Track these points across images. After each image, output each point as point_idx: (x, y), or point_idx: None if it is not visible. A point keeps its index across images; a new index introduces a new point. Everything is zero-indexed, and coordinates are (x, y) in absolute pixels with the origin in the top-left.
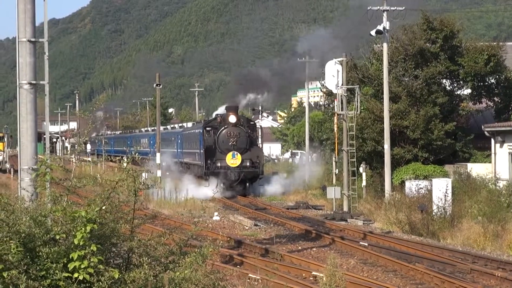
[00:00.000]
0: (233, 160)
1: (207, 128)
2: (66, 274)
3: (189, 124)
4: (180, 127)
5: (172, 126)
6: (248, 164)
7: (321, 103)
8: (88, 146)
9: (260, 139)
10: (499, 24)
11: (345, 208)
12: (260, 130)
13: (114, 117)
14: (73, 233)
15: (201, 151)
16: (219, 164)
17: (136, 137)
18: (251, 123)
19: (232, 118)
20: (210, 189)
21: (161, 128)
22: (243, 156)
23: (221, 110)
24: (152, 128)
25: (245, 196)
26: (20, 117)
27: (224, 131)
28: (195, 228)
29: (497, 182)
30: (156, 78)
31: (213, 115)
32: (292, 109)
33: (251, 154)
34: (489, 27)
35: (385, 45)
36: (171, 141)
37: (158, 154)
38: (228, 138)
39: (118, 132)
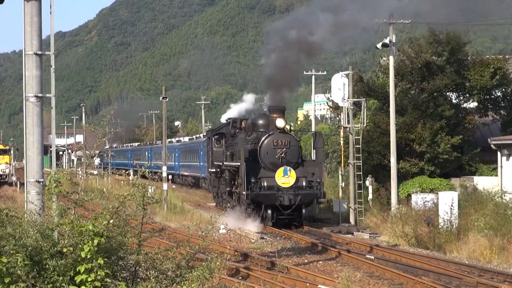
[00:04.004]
0: (285, 178)
1: (216, 136)
2: (73, 287)
3: None
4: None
5: (197, 136)
6: (304, 183)
7: (327, 116)
8: (97, 160)
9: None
10: (506, 37)
11: (351, 221)
12: (317, 136)
13: (121, 130)
14: (80, 246)
15: (208, 164)
16: (265, 184)
17: (156, 149)
18: None
19: (280, 122)
20: (230, 218)
21: (186, 138)
22: (297, 172)
23: (230, 113)
24: (177, 139)
25: (301, 226)
26: (26, 130)
27: (267, 139)
28: (203, 242)
29: (504, 195)
30: (163, 91)
31: (222, 120)
32: (298, 122)
33: (304, 170)
34: (495, 40)
35: (391, 58)
36: (194, 153)
37: (164, 168)
38: (274, 149)
39: (135, 144)
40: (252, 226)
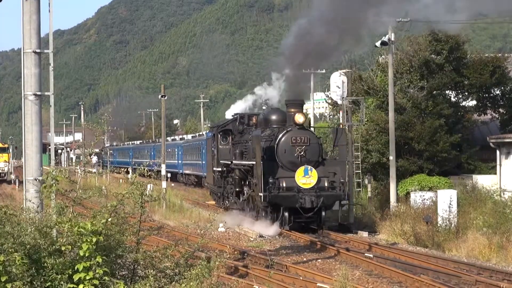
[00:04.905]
0: (305, 178)
1: (221, 133)
2: (71, 286)
3: None
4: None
5: (200, 133)
6: (326, 184)
7: (326, 114)
8: (95, 158)
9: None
10: (504, 36)
11: (350, 220)
12: (338, 133)
13: (120, 128)
14: (79, 244)
15: (213, 163)
16: (284, 184)
17: (159, 147)
18: None
19: (300, 117)
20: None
21: (189, 136)
22: (318, 172)
23: (236, 108)
24: (181, 136)
25: (320, 229)
26: (25, 128)
27: (285, 136)
28: (201, 240)
29: (503, 194)
30: (162, 89)
31: (228, 115)
32: None
33: (325, 170)
34: (494, 38)
35: (390, 56)
36: (198, 151)
37: (163, 166)
38: (293, 147)
39: (138, 142)
40: (267, 230)
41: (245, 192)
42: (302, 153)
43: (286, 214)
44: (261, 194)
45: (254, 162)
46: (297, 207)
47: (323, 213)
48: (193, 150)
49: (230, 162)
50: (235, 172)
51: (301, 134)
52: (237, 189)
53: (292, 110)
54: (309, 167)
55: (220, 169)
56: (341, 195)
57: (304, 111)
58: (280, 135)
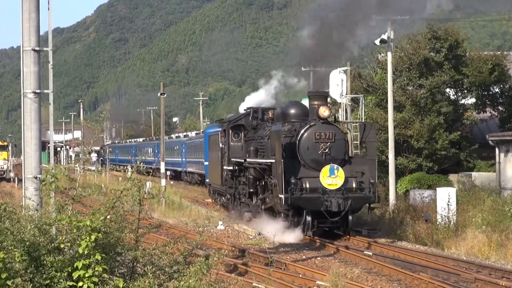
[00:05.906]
0: (331, 178)
1: (233, 129)
2: (71, 283)
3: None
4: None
5: (203, 130)
6: (354, 185)
7: None
8: (94, 156)
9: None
10: (504, 33)
11: (350, 217)
12: (366, 128)
13: (119, 126)
14: (78, 242)
15: (223, 162)
16: (307, 185)
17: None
18: None
19: (324, 111)
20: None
21: (193, 133)
22: (345, 171)
23: (248, 102)
24: (185, 133)
25: (348, 236)
26: (24, 126)
27: (308, 131)
28: (200, 237)
29: (502, 191)
30: (161, 87)
31: (241, 109)
32: None
33: (352, 169)
34: (493, 36)
35: (389, 54)
36: (201, 148)
37: (162, 164)
38: (316, 144)
39: (140, 139)
40: (288, 236)
41: (260, 193)
42: (326, 150)
43: (309, 218)
44: (281, 196)
45: (272, 160)
46: (322, 211)
47: (350, 217)
48: (198, 148)
49: (243, 160)
50: (249, 171)
51: (325, 129)
52: (250, 190)
53: (316, 102)
54: (335, 166)
55: (231, 168)
56: (370, 197)
57: None
58: (302, 131)
